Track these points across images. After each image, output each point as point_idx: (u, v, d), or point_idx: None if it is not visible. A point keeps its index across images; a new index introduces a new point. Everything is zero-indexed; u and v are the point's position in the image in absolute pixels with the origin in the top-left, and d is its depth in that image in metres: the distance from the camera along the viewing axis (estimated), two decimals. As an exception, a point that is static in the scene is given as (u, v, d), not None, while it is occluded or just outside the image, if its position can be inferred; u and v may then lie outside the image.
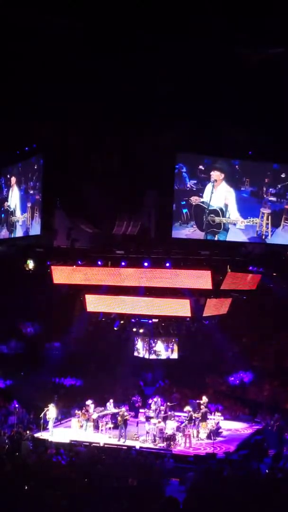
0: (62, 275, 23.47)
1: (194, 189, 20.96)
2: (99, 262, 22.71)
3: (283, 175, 21.34)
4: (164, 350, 25.31)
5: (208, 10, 14.68)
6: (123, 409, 22.54)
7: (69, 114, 19.34)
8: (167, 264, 21.74)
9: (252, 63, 16.67)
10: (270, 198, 21.30)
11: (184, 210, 20.91)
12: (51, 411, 22.28)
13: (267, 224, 21.27)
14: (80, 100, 18.63)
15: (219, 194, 20.94)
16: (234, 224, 21.06)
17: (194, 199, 20.92)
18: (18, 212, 23.87)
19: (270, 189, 21.29)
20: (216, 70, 17.26)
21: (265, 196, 21.33)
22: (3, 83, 18.50)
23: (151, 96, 18.16)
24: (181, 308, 22.99)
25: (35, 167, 22.49)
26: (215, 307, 23.74)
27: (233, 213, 21.06)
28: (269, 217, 21.29)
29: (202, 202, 20.85)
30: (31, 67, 17.62)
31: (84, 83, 18.07)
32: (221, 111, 18.47)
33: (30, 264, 26.42)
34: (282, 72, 17.08)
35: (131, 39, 16.01)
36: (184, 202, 20.89)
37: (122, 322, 25.66)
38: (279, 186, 21.35)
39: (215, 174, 20.90)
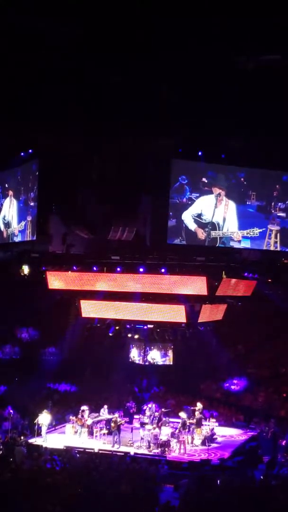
0: (57, 280, 23.42)
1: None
2: (94, 268, 22.70)
3: None
4: (160, 357, 25.28)
5: (206, 13, 14.61)
6: (116, 414, 22.49)
7: (66, 118, 19.25)
8: (163, 270, 21.73)
9: (253, 67, 16.43)
10: (279, 214, 19.63)
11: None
12: (44, 418, 22.21)
13: (276, 242, 19.66)
14: (77, 104, 18.58)
15: (220, 209, 19.90)
16: (232, 238, 19.96)
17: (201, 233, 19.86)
18: (14, 224, 23.28)
19: (279, 204, 19.56)
20: (217, 75, 16.94)
21: (273, 211, 19.64)
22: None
23: (149, 100, 18.00)
24: (176, 314, 22.98)
25: (36, 175, 21.72)
26: (210, 313, 23.73)
27: (232, 226, 19.83)
28: (278, 234, 19.67)
29: (204, 220, 19.95)
30: (27, 69, 17.53)
31: (81, 87, 18.00)
32: (223, 118, 17.70)
33: (25, 269, 26.39)
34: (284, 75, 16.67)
35: (130, 42, 15.89)
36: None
37: (117, 328, 25.65)
38: None
39: (216, 189, 19.78)
